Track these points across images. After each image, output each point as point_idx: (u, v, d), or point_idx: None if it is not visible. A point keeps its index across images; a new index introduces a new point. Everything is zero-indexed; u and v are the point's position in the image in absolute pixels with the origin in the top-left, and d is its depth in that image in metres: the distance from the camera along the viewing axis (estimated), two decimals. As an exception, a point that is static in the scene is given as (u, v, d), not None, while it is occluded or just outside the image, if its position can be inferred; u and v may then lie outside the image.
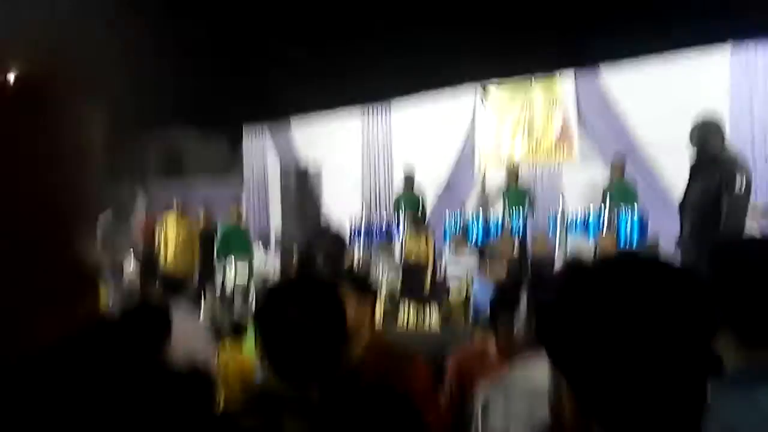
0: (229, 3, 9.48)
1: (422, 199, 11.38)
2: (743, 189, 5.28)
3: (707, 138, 5.44)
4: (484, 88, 11.64)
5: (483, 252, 9.92)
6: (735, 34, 9.01)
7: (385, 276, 10.04)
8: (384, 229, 11.38)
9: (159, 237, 11.39)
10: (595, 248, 8.92)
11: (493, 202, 11.05)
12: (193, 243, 11.25)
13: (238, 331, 5.44)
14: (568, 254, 9.44)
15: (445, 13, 9.96)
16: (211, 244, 11.49)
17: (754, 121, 8.68)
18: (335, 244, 10.56)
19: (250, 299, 10.56)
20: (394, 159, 12.72)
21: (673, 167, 9.13)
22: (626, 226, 9.16)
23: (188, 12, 8.90)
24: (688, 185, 5.55)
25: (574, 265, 1.18)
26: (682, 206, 5.61)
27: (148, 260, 10.66)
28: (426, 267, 9.53)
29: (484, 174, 11.66)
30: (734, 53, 9.23)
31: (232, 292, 10.74)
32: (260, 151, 14.75)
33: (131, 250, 11.04)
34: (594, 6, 9.45)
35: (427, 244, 9.72)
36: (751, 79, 9.09)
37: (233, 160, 15.59)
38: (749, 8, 8.26)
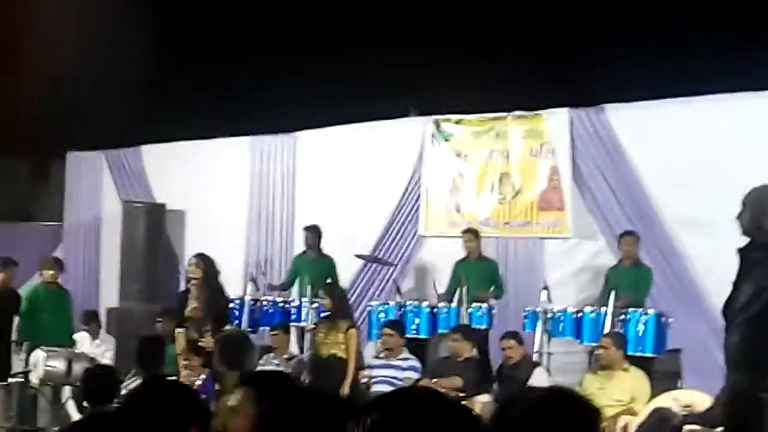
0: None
1: (332, 265, 9.72)
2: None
3: (765, 213, 4.86)
4: (437, 124, 10.05)
5: (426, 353, 9.06)
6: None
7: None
8: (279, 308, 9.65)
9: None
10: (592, 357, 8.12)
11: (443, 281, 9.45)
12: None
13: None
14: (550, 362, 8.43)
15: (386, 24, 9.98)
16: (9, 318, 9.51)
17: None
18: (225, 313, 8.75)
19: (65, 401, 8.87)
20: (296, 210, 11.01)
21: (705, 251, 8.35)
22: (637, 329, 8.12)
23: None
24: (738, 279, 4.98)
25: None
26: (728, 308, 5.05)
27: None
28: (343, 368, 8.22)
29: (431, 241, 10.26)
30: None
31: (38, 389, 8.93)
32: (92, 184, 12.80)
33: None
34: (603, 29, 9.18)
35: (347, 337, 8.36)
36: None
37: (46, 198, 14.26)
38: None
